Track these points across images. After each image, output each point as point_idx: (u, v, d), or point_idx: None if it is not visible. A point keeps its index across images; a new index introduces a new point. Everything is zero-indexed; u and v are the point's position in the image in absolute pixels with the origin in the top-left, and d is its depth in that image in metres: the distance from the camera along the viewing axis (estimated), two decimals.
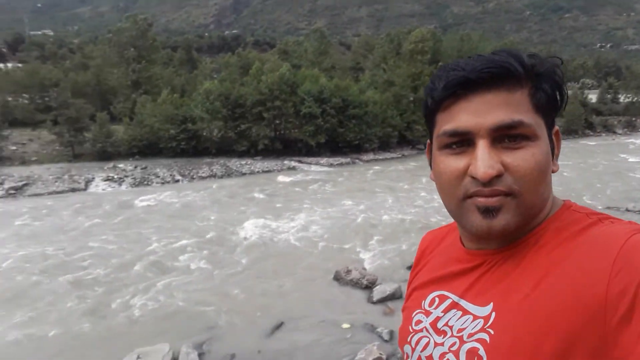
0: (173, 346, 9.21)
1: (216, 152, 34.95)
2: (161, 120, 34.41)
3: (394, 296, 11.60)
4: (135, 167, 30.88)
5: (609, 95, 55.93)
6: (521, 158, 0.78)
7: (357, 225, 17.97)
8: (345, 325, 10.33)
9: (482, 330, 0.81)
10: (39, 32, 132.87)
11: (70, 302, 11.55)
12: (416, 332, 0.96)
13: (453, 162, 0.82)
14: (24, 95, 43.52)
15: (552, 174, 0.86)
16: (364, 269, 13.41)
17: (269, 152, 34.90)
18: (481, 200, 0.79)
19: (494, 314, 0.81)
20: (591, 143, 43.47)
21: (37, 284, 12.63)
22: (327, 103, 35.31)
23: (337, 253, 14.93)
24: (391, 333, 9.93)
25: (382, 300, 11.46)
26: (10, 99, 41.93)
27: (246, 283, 12.65)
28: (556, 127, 0.87)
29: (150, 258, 14.39)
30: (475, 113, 0.79)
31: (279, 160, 33.56)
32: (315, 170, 31.22)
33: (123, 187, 26.22)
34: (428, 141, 0.95)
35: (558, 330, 0.70)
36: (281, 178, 28.02)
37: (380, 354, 8.95)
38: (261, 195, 23.43)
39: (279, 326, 10.34)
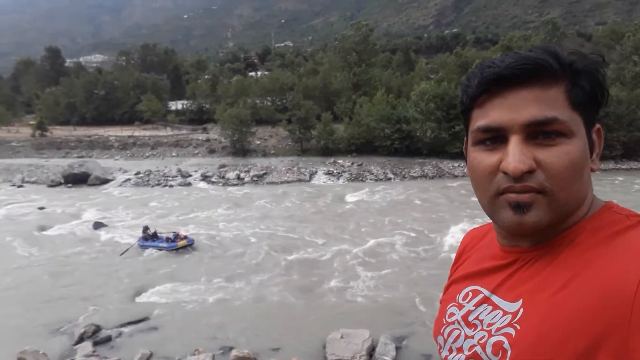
0: (373, 334, 9.63)
1: (428, 153, 34.95)
2: (377, 120, 36.21)
3: None
4: (352, 163, 33.32)
5: None
6: (555, 155, 0.77)
7: None
8: None
9: (509, 325, 0.82)
10: (282, 44, 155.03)
11: (292, 276, 13.23)
12: (449, 324, 0.98)
13: (486, 158, 0.83)
14: (268, 98, 51.67)
15: (592, 172, 0.84)
16: None
17: None
18: (512, 197, 0.79)
19: (522, 310, 0.81)
20: None
21: (267, 256, 14.87)
22: None
23: None
24: None
25: None
26: (258, 101, 50.36)
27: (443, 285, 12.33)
28: (597, 125, 0.84)
29: (362, 249, 15.35)
30: (508, 109, 0.79)
31: None
32: None
33: (340, 181, 28.59)
34: (465, 138, 0.93)
35: (582, 330, 0.70)
36: None
37: None
38: (473, 200, 22.41)
39: None
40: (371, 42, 48.69)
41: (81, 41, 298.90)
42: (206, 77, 59.07)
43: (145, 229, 16.81)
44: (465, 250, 1.14)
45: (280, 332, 10.05)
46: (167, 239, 16.05)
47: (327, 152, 37.34)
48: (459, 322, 0.95)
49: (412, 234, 16.74)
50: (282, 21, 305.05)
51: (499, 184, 0.80)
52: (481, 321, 0.90)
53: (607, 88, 0.83)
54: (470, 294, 0.97)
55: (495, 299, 0.89)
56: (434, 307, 11.22)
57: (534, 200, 0.78)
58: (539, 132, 0.78)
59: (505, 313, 0.85)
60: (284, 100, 46.98)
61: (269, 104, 51.34)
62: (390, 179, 28.83)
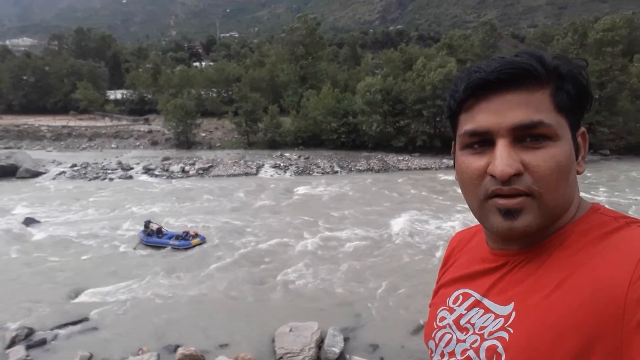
0: (322, 326, 9.75)
1: (374, 147, 35.65)
2: (323, 113, 36.44)
3: None
4: (299, 156, 33.35)
5: None
6: (541, 158, 0.77)
7: None
8: None
9: (502, 328, 0.82)
10: (227, 35, 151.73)
11: (239, 271, 13.08)
12: (440, 328, 0.98)
13: (474, 162, 0.83)
14: (213, 89, 50.47)
15: (578, 175, 0.85)
16: None
17: (427, 150, 34.26)
18: (502, 202, 0.79)
19: (514, 313, 0.82)
20: None
21: (215, 250, 14.60)
22: None
23: None
24: None
25: None
26: (203, 92, 49.07)
27: (394, 278, 12.70)
28: (582, 129, 0.86)
29: (308, 242, 15.44)
30: (495, 113, 0.80)
31: (437, 158, 32.71)
32: None
33: (287, 174, 28.54)
34: (453, 142, 0.93)
35: (576, 331, 0.71)
36: (440, 176, 27.26)
37: None
38: (418, 192, 23.17)
39: (423, 327, 10.16)
40: (318, 35, 48.83)
41: (8, 23, 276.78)
42: (148, 66, 56.65)
43: (148, 223, 15.74)
44: (453, 252, 1.14)
45: (228, 327, 9.93)
46: (178, 237, 15.16)
47: (274, 145, 37.14)
48: (450, 326, 0.95)
49: (359, 226, 17.04)
50: (227, 11, 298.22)
51: (487, 187, 0.81)
52: (473, 325, 0.90)
53: (591, 92, 0.85)
54: (461, 297, 0.97)
55: (486, 302, 0.89)
56: (381, 297, 11.53)
57: (523, 205, 0.79)
58: (526, 136, 0.79)
59: (497, 316, 0.85)
60: (230, 92, 46.01)
61: (214, 95, 50.16)
62: (337, 172, 29.16)
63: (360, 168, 29.91)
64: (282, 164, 30.73)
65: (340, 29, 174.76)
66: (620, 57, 35.79)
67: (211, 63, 66.58)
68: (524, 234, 0.81)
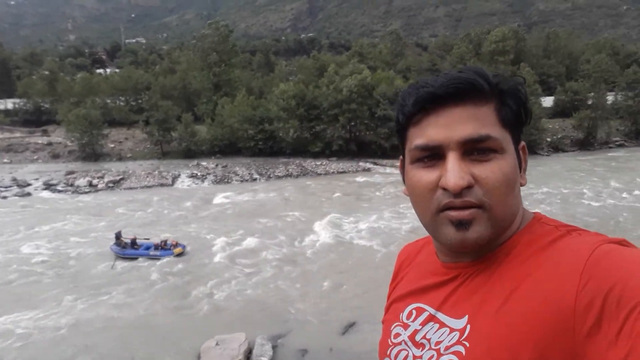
0: (249, 336, 9.61)
1: (291, 153, 35.87)
2: (240, 121, 35.97)
3: None
4: (217, 165, 32.57)
5: None
6: (490, 170, 0.79)
7: None
8: None
9: (458, 342, 0.82)
10: (133, 40, 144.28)
11: (159, 287, 12.46)
12: (395, 345, 0.97)
13: (425, 175, 0.84)
14: (121, 97, 47.65)
15: (521, 187, 0.87)
16: None
17: (343, 154, 35.18)
18: (454, 214, 0.80)
19: (469, 326, 0.82)
20: None
21: (131, 267, 13.76)
22: None
23: None
24: None
25: None
26: (109, 101, 46.11)
27: (318, 281, 12.87)
28: (522, 143, 0.89)
29: (231, 251, 15.12)
30: (444, 127, 0.81)
31: (353, 161, 33.70)
32: (390, 172, 30.93)
33: (205, 183, 27.74)
34: (401, 157, 0.95)
35: (530, 341, 0.72)
36: (356, 179, 28.12)
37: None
38: (336, 196, 23.67)
39: (350, 326, 10.42)
40: (231, 42, 48.18)
41: None
42: (43, 72, 52.02)
43: (119, 234, 14.68)
44: (402, 267, 1.14)
45: (150, 349, 9.43)
46: (157, 246, 14.29)
47: (189, 154, 35.93)
48: (405, 343, 0.94)
49: (282, 232, 17.04)
50: (132, 16, 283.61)
51: (440, 201, 0.82)
52: (429, 340, 0.89)
53: (530, 107, 0.87)
54: (415, 312, 0.96)
55: (440, 316, 0.89)
56: (308, 301, 11.61)
57: (474, 217, 0.80)
58: (474, 149, 0.81)
59: (452, 330, 0.85)
60: (140, 100, 43.72)
61: (122, 104, 47.33)
62: (256, 179, 28.92)
63: (279, 174, 29.94)
64: (199, 174, 29.82)
65: (252, 36, 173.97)
66: (510, 65, 39.51)
67: (117, 70, 62.87)
68: (476, 245, 0.82)
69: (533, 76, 43.46)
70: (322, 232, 16.94)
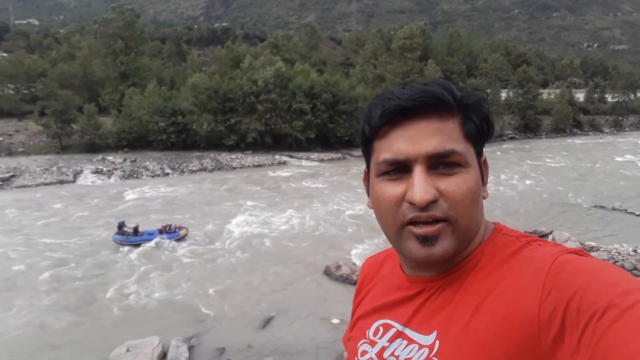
0: (163, 339, 9.24)
1: (205, 146, 34.83)
2: (150, 113, 34.14)
3: None
4: (125, 159, 30.66)
5: (595, 95, 56.84)
6: (455, 184, 0.80)
7: (348, 220, 18.10)
8: (335, 321, 10.44)
9: (428, 359, 0.82)
10: (24, 21, 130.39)
11: (57, 294, 11.50)
12: None
13: (391, 189, 0.84)
14: (9, 85, 42.86)
15: (483, 199, 0.89)
16: (354, 264, 13.52)
17: (259, 147, 34.87)
18: (419, 230, 0.81)
19: (437, 342, 0.82)
20: (578, 142, 44.15)
21: (27, 275, 12.54)
22: (318, 98, 35.35)
23: (327, 248, 15.03)
24: None
25: None
26: None
27: (236, 277, 12.70)
28: (484, 156, 0.91)
29: (142, 251, 14.36)
30: (410, 140, 0.81)
31: (269, 154, 33.54)
32: (306, 165, 31.28)
33: (112, 179, 26.01)
34: (365, 169, 0.95)
35: (499, 355, 0.73)
36: (272, 172, 28.04)
37: None
38: (252, 190, 23.43)
39: (269, 320, 10.42)
40: (138, 28, 45.37)
41: None
42: None
43: (122, 224, 14.98)
44: (365, 281, 1.12)
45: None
46: (162, 231, 14.90)
47: (93, 148, 33.42)
48: None
49: (196, 228, 16.52)
50: None
51: (405, 214, 0.81)
52: (397, 357, 0.88)
53: (492, 121, 0.88)
54: (382, 328, 0.94)
55: (408, 332, 0.88)
56: (224, 298, 11.40)
57: (440, 231, 0.80)
58: (440, 163, 0.81)
59: (421, 347, 0.85)
60: (33, 89, 39.69)
61: (11, 92, 42.63)
62: (168, 174, 27.70)
63: (193, 168, 28.97)
64: (105, 169, 27.87)
65: (161, 23, 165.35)
66: (418, 61, 41.64)
67: (4, 54, 56.49)
68: (442, 259, 0.82)
69: (438, 72, 46.22)
70: (237, 228, 16.71)
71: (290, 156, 33.61)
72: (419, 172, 0.80)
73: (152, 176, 26.89)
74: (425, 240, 0.81)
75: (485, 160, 0.91)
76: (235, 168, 29.73)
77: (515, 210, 19.42)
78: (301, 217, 18.31)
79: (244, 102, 34.76)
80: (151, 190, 22.90)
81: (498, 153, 36.39)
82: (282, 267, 13.46)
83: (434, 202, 0.79)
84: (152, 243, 14.74)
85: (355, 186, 24.19)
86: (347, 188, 23.81)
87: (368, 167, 0.93)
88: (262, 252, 14.72)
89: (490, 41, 74.16)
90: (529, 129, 47.12)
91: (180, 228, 15.52)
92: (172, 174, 27.78)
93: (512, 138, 45.64)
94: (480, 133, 0.86)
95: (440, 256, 0.81)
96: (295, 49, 55.18)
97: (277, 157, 32.97)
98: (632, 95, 55.79)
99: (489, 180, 0.94)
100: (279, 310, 10.83)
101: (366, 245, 15.26)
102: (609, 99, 55.73)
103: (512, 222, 17.66)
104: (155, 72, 46.27)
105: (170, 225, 15.46)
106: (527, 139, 45.35)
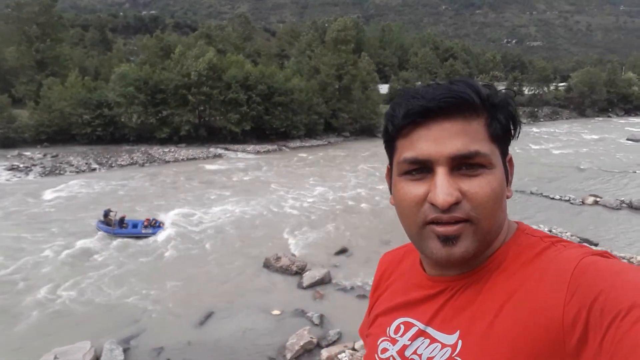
0: (95, 343, 8.81)
1: (136, 139, 33.21)
2: (72, 105, 31.92)
3: (323, 281, 11.92)
4: (45, 155, 28.46)
5: (515, 88, 60.65)
6: (478, 186, 0.80)
7: (286, 212, 18.11)
8: (276, 312, 10.47)
9: (450, 358, 0.83)
10: None
11: None
12: None
13: (413, 189, 0.83)
14: None
15: (507, 199, 0.88)
16: (293, 255, 13.60)
17: (193, 140, 33.82)
18: (440, 230, 0.80)
19: (460, 341, 0.83)
20: None
21: None
22: (253, 90, 34.85)
23: (265, 240, 14.98)
24: (321, 317, 10.22)
25: (312, 286, 11.74)
26: None
27: (172, 274, 12.32)
28: (509, 155, 0.90)
29: (65, 253, 13.50)
30: (434, 141, 0.81)
31: (204, 147, 32.67)
32: (242, 157, 30.82)
33: (31, 176, 24.10)
34: (387, 165, 0.95)
35: (522, 356, 0.73)
36: (207, 166, 27.35)
37: (311, 337, 9.20)
38: (187, 184, 22.75)
39: (208, 316, 10.24)
40: (56, 14, 42.10)
41: None
42: None
43: (107, 212, 14.95)
44: (383, 277, 1.11)
45: None
46: (145, 226, 14.85)
47: (7, 143, 30.71)
48: (394, 358, 0.93)
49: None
50: None
51: (426, 214, 0.81)
52: (420, 356, 0.88)
53: (519, 120, 0.87)
54: (403, 326, 0.94)
55: (431, 331, 0.88)
56: (158, 297, 11.04)
57: (461, 231, 0.80)
58: (463, 164, 0.80)
59: (443, 346, 0.84)
60: None
61: None
62: (95, 169, 26.15)
63: (123, 163, 27.57)
64: (22, 165, 25.76)
65: (83, 8, 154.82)
66: (352, 53, 42.22)
67: None
68: (463, 259, 0.82)
69: (372, 65, 47.24)
70: (172, 223, 16.17)
71: (226, 149, 32.96)
72: (441, 174, 0.80)
73: (77, 172, 25.28)
74: (446, 239, 0.80)
75: (510, 159, 0.90)
76: (168, 162, 28.69)
77: None
78: (238, 210, 18.07)
79: (176, 94, 33.53)
80: (75, 187, 21.54)
81: None
82: (221, 262, 13.25)
83: (456, 203, 0.79)
84: (159, 236, 14.88)
85: (291, 177, 24.24)
86: (284, 179, 23.80)
87: (391, 164, 0.92)
88: (200, 247, 14.38)
89: (419, 35, 76.88)
90: None
91: (163, 223, 15.66)
92: (100, 169, 26.27)
93: None
94: (506, 133, 0.86)
95: (460, 256, 0.81)
96: (229, 39, 53.94)
97: (212, 150, 32.21)
98: (546, 88, 60.29)
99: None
100: (219, 305, 10.67)
101: (305, 237, 15.38)
102: (526, 92, 59.81)
103: None
104: (78, 61, 43.33)
105: (155, 219, 15.54)
106: None
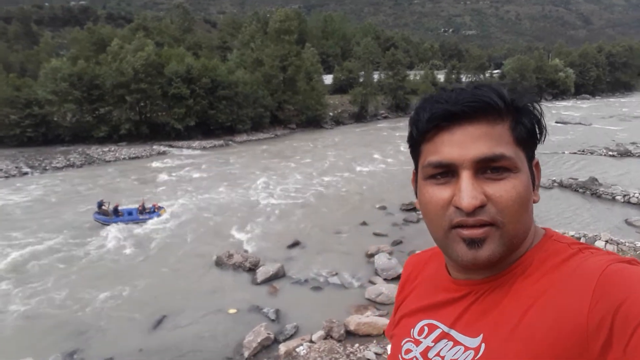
0: (39, 359, 8.33)
1: (71, 140, 31.37)
2: None
3: (277, 275, 11.89)
4: None
5: (453, 76, 62.95)
6: (503, 189, 0.80)
7: (235, 208, 17.85)
8: (232, 310, 10.34)
9: None
10: None
11: None
12: None
13: (438, 192, 0.84)
14: None
15: (534, 203, 0.88)
16: (246, 251, 13.46)
17: (134, 138, 32.42)
18: (466, 233, 0.81)
19: (484, 345, 0.83)
20: None
21: None
22: (196, 83, 33.86)
23: (216, 238, 14.71)
24: (277, 312, 10.20)
25: (267, 281, 11.68)
26: None
27: (117, 280, 11.81)
28: (536, 159, 0.90)
29: (1, 264, 12.61)
30: (458, 145, 0.81)
31: (147, 145, 31.44)
32: (187, 154, 29.96)
33: None
34: (413, 170, 0.95)
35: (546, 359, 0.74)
36: (151, 164, 26.37)
37: (268, 333, 9.17)
38: (129, 185, 21.84)
39: (160, 321, 9.94)
40: None
41: None
42: None
43: (101, 203, 15.30)
44: (409, 278, 1.11)
45: None
46: (141, 212, 15.20)
47: None
48: (417, 359, 0.93)
49: (59, 234, 14.94)
50: None
51: (452, 218, 0.81)
52: (443, 357, 0.89)
53: (544, 124, 0.87)
54: (426, 328, 0.95)
55: (454, 334, 0.89)
56: (106, 306, 10.58)
57: (487, 235, 0.80)
58: (488, 167, 0.80)
59: (467, 349, 0.85)
60: None
61: None
62: (26, 173, 24.50)
63: (58, 165, 26.03)
64: None
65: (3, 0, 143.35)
66: (295, 44, 42.01)
67: None
68: (488, 263, 0.82)
69: (316, 56, 47.25)
70: (116, 227, 15.49)
71: (170, 146, 31.92)
72: (466, 177, 0.80)
73: (6, 177, 23.60)
74: (472, 243, 0.81)
75: (537, 163, 0.90)
76: (109, 162, 27.40)
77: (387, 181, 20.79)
78: (186, 208, 17.61)
79: (113, 91, 31.96)
80: (5, 195, 20.10)
81: (373, 131, 38.72)
82: (171, 263, 12.88)
83: (481, 207, 0.79)
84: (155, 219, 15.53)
85: (240, 172, 23.90)
86: (231, 175, 23.44)
87: (416, 169, 0.93)
88: (143, 250, 13.88)
89: (361, 25, 77.68)
90: (399, 108, 50.57)
91: (159, 208, 15.95)
92: (32, 173, 24.65)
93: (385, 117, 48.67)
94: (531, 136, 0.86)
95: (486, 259, 0.81)
96: (168, 31, 52.03)
97: (155, 147, 31.08)
98: (482, 75, 63.00)
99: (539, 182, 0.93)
100: (170, 309, 10.38)
101: (256, 232, 15.25)
102: (464, 79, 62.17)
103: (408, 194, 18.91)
104: (1, 56, 40.27)
105: (148, 205, 15.94)
106: (398, 117, 48.72)
